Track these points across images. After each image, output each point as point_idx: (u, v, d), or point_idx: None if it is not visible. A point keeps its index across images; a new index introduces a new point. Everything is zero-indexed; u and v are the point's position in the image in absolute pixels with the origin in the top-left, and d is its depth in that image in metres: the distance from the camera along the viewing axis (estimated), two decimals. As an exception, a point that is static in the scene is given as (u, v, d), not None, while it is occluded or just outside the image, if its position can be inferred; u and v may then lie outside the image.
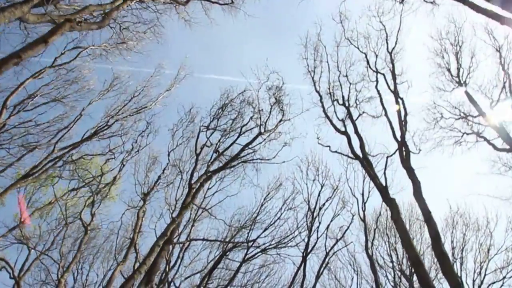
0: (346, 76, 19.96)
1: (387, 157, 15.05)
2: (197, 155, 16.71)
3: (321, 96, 18.76)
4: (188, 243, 19.64)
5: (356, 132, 16.89)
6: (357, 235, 23.67)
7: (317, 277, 18.64)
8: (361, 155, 15.46)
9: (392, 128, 15.90)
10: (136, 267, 12.77)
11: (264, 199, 21.78)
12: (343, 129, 16.82)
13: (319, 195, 20.56)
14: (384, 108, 17.02)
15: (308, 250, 18.97)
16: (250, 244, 20.92)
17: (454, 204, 25.12)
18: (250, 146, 16.60)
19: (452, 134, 20.54)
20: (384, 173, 14.36)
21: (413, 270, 23.76)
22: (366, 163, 14.86)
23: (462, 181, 28.86)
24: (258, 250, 21.28)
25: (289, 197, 21.74)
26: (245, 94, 18.98)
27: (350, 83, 19.81)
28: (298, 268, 18.35)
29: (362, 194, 21.54)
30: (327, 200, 20.53)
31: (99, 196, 16.25)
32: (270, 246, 21.30)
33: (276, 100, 18.62)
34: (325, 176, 21.46)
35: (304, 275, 18.42)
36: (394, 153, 15.49)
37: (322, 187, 20.93)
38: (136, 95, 19.54)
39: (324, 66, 20.18)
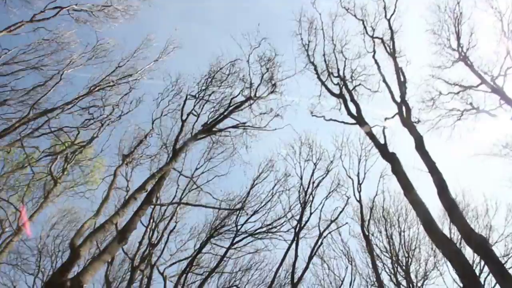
0: (342, 52, 19.24)
1: (385, 119, 14.13)
2: (182, 121, 15.61)
3: (315, 65, 17.93)
4: (172, 220, 18.41)
5: (352, 100, 16.05)
6: (352, 227, 22.60)
7: (310, 257, 17.42)
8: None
9: (390, 91, 15.09)
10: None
11: (255, 181, 20.66)
12: (338, 92, 15.89)
13: (312, 174, 19.48)
14: (382, 75, 16.23)
15: (301, 225, 17.75)
16: (238, 224, 19.75)
17: (452, 192, 23.96)
18: (239, 109, 15.56)
19: (450, 113, 19.82)
20: (383, 132, 13.40)
21: (412, 254, 22.78)
22: (363, 124, 13.92)
23: (461, 167, 27.97)
24: (247, 234, 20.10)
25: (281, 179, 20.67)
26: (235, 64, 18.01)
27: (346, 58, 19.09)
28: (290, 245, 17.11)
29: (358, 175, 20.61)
30: (322, 177, 19.39)
31: (73, 154, 14.98)
32: (260, 230, 20.13)
33: (267, 70, 17.69)
34: (318, 157, 20.45)
35: (296, 255, 17.18)
36: (394, 116, 14.61)
37: (315, 165, 19.89)
38: (122, 65, 18.52)
39: (319, 39, 19.47)
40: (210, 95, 17.35)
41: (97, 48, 17.42)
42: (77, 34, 18.00)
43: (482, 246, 8.19)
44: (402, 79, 14.95)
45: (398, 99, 14.29)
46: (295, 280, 16.62)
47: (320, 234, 18.35)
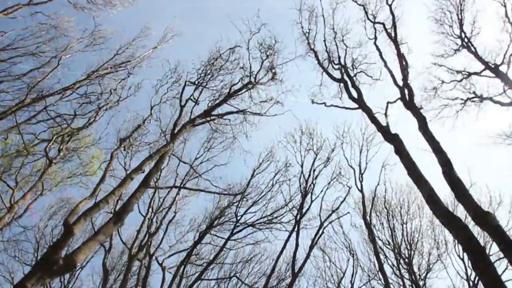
0: (343, 41, 18.99)
1: (388, 103, 13.81)
2: (181, 107, 15.35)
3: (316, 52, 17.68)
4: (170, 209, 18.13)
5: (354, 85, 15.81)
6: (354, 219, 22.33)
7: (311, 246, 17.11)
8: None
9: (392, 76, 14.83)
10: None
11: (255, 171, 20.39)
12: (339, 77, 15.62)
13: (313, 163, 19.16)
14: (383, 60, 15.97)
15: (302, 213, 17.44)
16: (238, 214, 19.48)
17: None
18: (239, 93, 15.29)
19: (453, 103, 19.56)
20: (385, 115, 13.11)
21: (414, 247, 22.45)
22: (365, 107, 13.64)
23: (464, 158, 27.64)
24: (247, 225, 19.83)
25: (282, 169, 20.39)
26: (235, 51, 17.74)
27: (347, 47, 18.84)
28: (290, 233, 16.81)
29: (359, 166, 20.32)
30: (323, 166, 19.07)
31: (69, 136, 14.73)
32: (260, 221, 19.85)
33: (267, 57, 17.43)
34: (319, 146, 20.16)
35: (297, 244, 16.87)
36: (396, 101, 14.32)
37: (316, 155, 19.60)
38: (120, 53, 18.28)
39: (320, 27, 19.24)
40: (209, 81, 17.14)
41: (95, 34, 17.17)
42: (75, 22, 17.88)
43: (490, 222, 7.91)
44: (404, 63, 14.69)
45: (400, 83, 14.02)
46: (296, 270, 16.32)
47: (321, 224, 18.06)
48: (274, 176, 19.80)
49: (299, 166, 19.26)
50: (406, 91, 13.45)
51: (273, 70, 18.09)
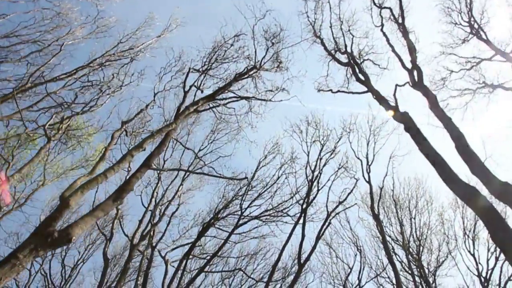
0: (349, 31, 18.67)
1: (396, 85, 13.38)
2: (185, 92, 15.05)
3: (322, 39, 17.36)
4: (174, 198, 17.75)
5: (361, 71, 15.46)
6: (361, 214, 21.82)
7: (318, 237, 16.60)
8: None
9: (400, 59, 14.45)
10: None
11: (260, 163, 19.99)
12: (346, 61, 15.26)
13: (320, 153, 18.71)
14: (391, 45, 15.60)
15: (308, 201, 16.96)
16: (243, 207, 19.05)
17: (465, 178, 23.04)
18: (243, 77, 14.98)
19: (463, 93, 19.10)
20: (394, 96, 12.69)
21: (423, 243, 21.84)
22: (373, 90, 13.27)
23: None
24: (252, 217, 19.41)
25: (288, 160, 19.96)
26: (240, 39, 17.47)
27: (353, 36, 18.50)
28: (296, 222, 16.33)
29: (367, 157, 19.86)
30: (329, 156, 18.59)
31: (70, 117, 14.46)
32: (265, 213, 19.41)
33: (273, 44, 17.12)
34: (326, 137, 19.74)
35: (303, 235, 16.39)
36: (404, 84, 13.93)
37: (322, 146, 19.15)
38: (123, 41, 18.09)
39: (326, 16, 18.95)
40: (213, 69, 16.87)
41: (98, 22, 17.01)
42: (78, 12, 17.75)
43: (509, 192, 7.44)
44: (412, 46, 14.30)
45: (409, 65, 13.63)
46: (302, 261, 15.82)
47: (328, 215, 17.57)
48: (280, 168, 19.39)
49: (305, 156, 18.87)
50: (415, 72, 13.06)
51: (279, 59, 17.83)
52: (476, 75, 18.92)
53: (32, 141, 13.99)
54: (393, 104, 12.20)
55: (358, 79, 14.19)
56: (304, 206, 17.11)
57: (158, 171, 19.25)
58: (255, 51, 15.56)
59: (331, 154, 18.84)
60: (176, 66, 17.06)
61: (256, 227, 20.63)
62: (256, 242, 22.03)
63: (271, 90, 17.43)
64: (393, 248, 20.47)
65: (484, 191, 8.55)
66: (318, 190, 17.89)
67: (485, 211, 7.25)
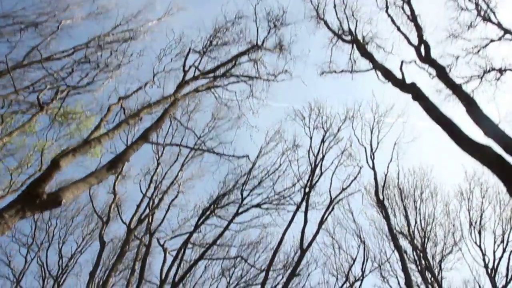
0: (353, 15, 18.30)
1: (402, 62, 12.95)
2: (184, 72, 14.69)
3: (325, 21, 16.98)
4: (173, 184, 17.32)
5: (366, 51, 15.04)
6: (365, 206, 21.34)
7: (321, 222, 16.13)
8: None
9: (406, 37, 14.08)
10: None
11: (262, 149, 19.56)
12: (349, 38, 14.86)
13: (323, 138, 18.25)
14: (396, 25, 15.22)
15: (311, 184, 16.49)
16: (244, 194, 18.60)
17: (471, 169, 22.59)
18: (245, 55, 14.61)
19: (470, 80, 18.63)
20: (400, 69, 12.25)
21: (428, 235, 21.29)
22: (379, 65, 12.87)
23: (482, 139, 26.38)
24: (252, 205, 18.96)
25: (290, 148, 19.50)
26: (241, 20, 17.09)
27: (357, 20, 18.13)
28: (299, 206, 15.85)
29: (370, 145, 19.41)
30: (333, 142, 18.12)
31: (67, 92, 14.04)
32: (266, 201, 18.95)
33: (275, 26, 16.75)
34: (329, 123, 19.28)
35: (306, 220, 15.91)
36: (411, 62, 13.54)
37: (326, 132, 18.70)
38: (123, 24, 17.76)
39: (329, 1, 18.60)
40: (214, 51, 16.51)
41: (97, 1, 16.69)
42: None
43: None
44: (418, 23, 13.92)
45: (415, 42, 13.24)
46: (304, 247, 15.35)
47: (331, 201, 17.09)
48: (282, 155, 18.94)
49: (308, 141, 18.42)
50: (422, 48, 12.67)
51: (281, 42, 17.48)
52: (483, 62, 18.48)
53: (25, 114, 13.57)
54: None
55: (363, 54, 13.80)
56: (307, 189, 16.64)
57: (157, 157, 18.88)
58: (257, 30, 15.19)
59: (334, 138, 18.42)
60: (176, 48, 16.71)
61: (257, 217, 20.19)
62: (258, 233, 21.55)
63: (274, 75, 17.12)
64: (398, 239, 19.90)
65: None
66: (321, 174, 17.46)
67: (501, 167, 6.80)
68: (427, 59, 11.90)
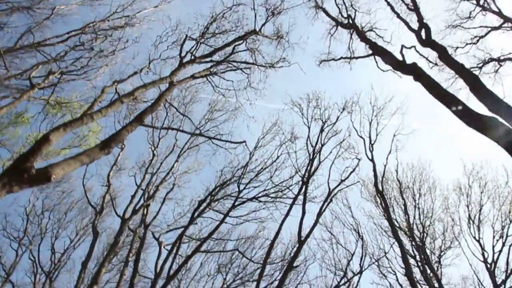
0: (352, 5, 18.14)
1: (402, 46, 12.75)
2: (181, 58, 14.36)
3: (324, 9, 16.79)
4: (169, 174, 16.99)
5: (365, 37, 14.84)
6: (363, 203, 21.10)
7: (319, 214, 15.82)
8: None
9: (406, 23, 13.89)
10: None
11: (259, 141, 19.28)
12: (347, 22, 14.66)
13: (322, 128, 17.97)
14: (396, 12, 15.04)
15: (310, 173, 16.20)
16: (240, 186, 18.29)
17: (470, 164, 22.48)
18: (243, 39, 14.34)
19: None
20: (401, 53, 12.05)
21: (427, 230, 21.05)
22: (378, 48, 12.65)
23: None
24: (249, 198, 18.65)
25: (288, 140, 19.21)
26: (239, 10, 16.84)
27: (356, 10, 17.96)
28: (297, 195, 15.55)
29: (369, 137, 19.19)
30: (331, 134, 17.87)
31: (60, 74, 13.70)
32: (263, 193, 18.64)
33: (273, 14, 16.51)
34: (327, 115, 19.03)
35: (304, 211, 15.59)
36: (411, 47, 13.38)
37: (324, 123, 18.43)
38: (119, 11, 17.45)
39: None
40: (211, 39, 16.24)
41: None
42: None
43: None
44: (418, 7, 13.73)
45: (416, 25, 13.05)
46: (303, 238, 15.03)
47: (330, 192, 16.80)
48: (280, 147, 18.66)
49: (306, 131, 18.13)
50: (422, 32, 12.47)
51: (280, 32, 17.26)
52: (481, 54, 18.37)
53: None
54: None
55: (362, 39, 13.58)
56: (305, 179, 16.33)
57: (153, 148, 18.52)
58: (255, 16, 14.91)
59: (333, 126, 18.16)
60: (172, 35, 16.44)
61: (255, 211, 19.88)
62: (255, 228, 21.25)
63: (271, 65, 16.89)
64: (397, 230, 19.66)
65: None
66: (319, 163, 17.18)
67: (509, 139, 6.56)
68: (428, 41, 11.70)
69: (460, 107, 7.74)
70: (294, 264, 14.68)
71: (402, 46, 12.77)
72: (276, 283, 18.94)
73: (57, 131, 7.95)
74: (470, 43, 17.83)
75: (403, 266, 21.53)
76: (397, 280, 21.19)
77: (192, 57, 12.93)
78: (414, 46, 13.50)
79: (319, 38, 18.49)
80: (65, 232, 22.74)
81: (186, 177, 21.68)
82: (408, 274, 13.32)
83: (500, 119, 7.52)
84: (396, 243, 14.89)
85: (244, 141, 12.06)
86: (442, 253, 20.80)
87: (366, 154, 18.01)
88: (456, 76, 10.91)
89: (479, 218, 21.21)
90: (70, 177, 21.25)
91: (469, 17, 17.99)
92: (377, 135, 19.15)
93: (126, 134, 10.33)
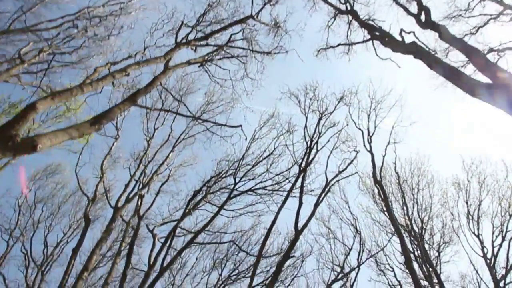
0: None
1: (402, 29, 12.55)
2: (177, 43, 14.14)
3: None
4: (163, 163, 16.68)
5: (364, 22, 14.65)
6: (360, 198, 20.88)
7: (316, 204, 15.52)
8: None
9: (405, 8, 13.70)
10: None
11: (256, 132, 19.02)
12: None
13: (320, 118, 17.70)
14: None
15: (308, 161, 15.91)
16: (236, 178, 18.00)
17: (469, 159, 22.23)
18: (239, 24, 14.11)
19: (467, 64, 18.35)
20: (400, 35, 11.85)
21: (425, 225, 20.76)
22: (378, 31, 12.46)
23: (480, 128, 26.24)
24: (246, 190, 18.36)
25: (285, 131, 18.94)
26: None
27: (354, 1, 17.81)
28: (294, 183, 15.25)
29: (368, 129, 18.96)
30: (329, 125, 17.60)
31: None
32: (260, 185, 18.35)
33: (270, 1, 16.33)
34: (325, 106, 18.78)
35: (301, 202, 15.29)
36: (410, 32, 13.17)
37: (321, 115, 18.17)
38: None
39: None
40: (208, 27, 16.04)
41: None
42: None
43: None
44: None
45: (415, 10, 12.86)
46: (300, 228, 14.71)
47: (327, 183, 16.51)
48: (277, 139, 18.37)
49: (303, 119, 17.81)
50: (422, 14, 12.28)
51: (276, 20, 17.08)
52: (481, 47, 18.21)
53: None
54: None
55: (361, 24, 13.38)
56: (303, 167, 16.03)
57: (148, 139, 18.23)
58: (252, 1, 14.70)
59: (330, 115, 17.89)
60: (168, 23, 16.22)
61: (251, 204, 19.57)
62: (252, 223, 20.95)
63: (268, 52, 16.71)
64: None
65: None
66: (317, 151, 16.89)
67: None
68: (428, 23, 11.49)
69: (464, 80, 7.49)
70: (291, 255, 14.36)
71: (401, 30, 12.60)
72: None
73: (45, 100, 7.67)
74: (469, 34, 17.71)
75: (401, 262, 21.50)
76: (395, 276, 20.93)
77: (188, 40, 12.66)
78: (413, 32, 13.32)
79: (317, 31, 18.37)
80: (58, 227, 22.39)
81: (181, 171, 21.43)
82: (408, 263, 13.01)
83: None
84: (395, 233, 14.54)
85: (240, 125, 11.79)
86: (441, 248, 20.51)
87: (364, 145, 17.79)
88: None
89: (478, 213, 20.95)
90: (63, 168, 20.95)
91: (468, 9, 17.92)
92: (375, 127, 18.94)
93: (117, 112, 10.05)
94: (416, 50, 9.70)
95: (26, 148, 7.19)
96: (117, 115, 9.94)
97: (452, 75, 7.92)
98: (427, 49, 9.73)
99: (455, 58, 16.92)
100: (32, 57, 12.53)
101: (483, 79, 7.57)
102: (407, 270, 20.32)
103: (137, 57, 13.70)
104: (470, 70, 16.36)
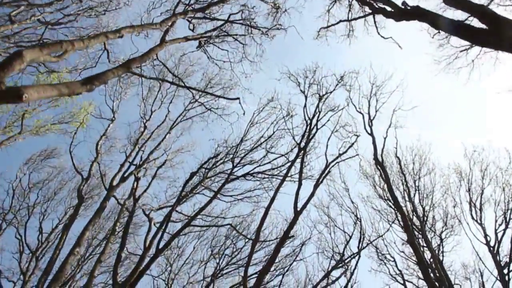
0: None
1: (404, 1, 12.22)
2: (174, 14, 13.85)
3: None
4: (160, 145, 16.33)
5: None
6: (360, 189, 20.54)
7: (316, 185, 15.16)
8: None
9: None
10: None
11: (254, 115, 18.70)
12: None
13: (318, 105, 17.36)
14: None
15: (309, 139, 15.56)
16: (235, 161, 17.66)
17: (470, 146, 21.94)
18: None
19: (469, 49, 18.06)
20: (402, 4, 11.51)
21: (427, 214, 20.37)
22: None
23: (480, 116, 25.90)
24: (243, 173, 18.05)
25: (284, 116, 18.60)
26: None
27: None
28: (294, 160, 14.89)
29: (368, 113, 18.64)
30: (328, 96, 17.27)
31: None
32: (257, 171, 18.02)
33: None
34: (326, 92, 18.44)
35: (300, 182, 14.93)
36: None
37: (321, 97, 17.82)
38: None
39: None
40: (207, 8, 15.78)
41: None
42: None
43: None
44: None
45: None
46: (299, 208, 14.36)
47: (327, 164, 16.15)
48: (276, 122, 18.04)
49: (303, 99, 17.44)
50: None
51: (276, 3, 16.83)
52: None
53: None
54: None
55: (362, 2, 13.07)
56: (302, 144, 15.68)
57: (145, 121, 17.91)
58: (251, -23, 14.41)
59: (330, 95, 17.56)
60: (166, 2, 15.96)
61: (250, 190, 19.24)
62: (250, 211, 20.60)
63: (267, 29, 16.46)
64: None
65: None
66: (317, 129, 16.54)
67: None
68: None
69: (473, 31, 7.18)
70: (290, 234, 14.01)
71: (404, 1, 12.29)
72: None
73: (32, 50, 7.34)
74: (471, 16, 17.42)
75: (402, 250, 21.15)
76: (396, 265, 20.57)
77: (185, 10, 12.37)
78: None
79: (317, 16, 18.07)
80: (55, 214, 22.05)
81: (179, 157, 21.13)
82: (411, 240, 12.65)
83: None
84: (396, 211, 14.19)
85: (238, 98, 11.46)
86: (443, 236, 20.16)
87: (365, 128, 17.47)
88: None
89: (480, 201, 20.61)
90: (59, 152, 20.63)
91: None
92: (376, 111, 18.63)
93: (110, 76, 9.72)
94: (420, 12, 9.39)
95: (12, 97, 6.84)
96: (109, 78, 9.60)
97: (460, 30, 7.61)
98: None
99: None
100: (23, 19, 12.21)
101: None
102: (409, 254, 20.22)
103: (134, 33, 13.35)
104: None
